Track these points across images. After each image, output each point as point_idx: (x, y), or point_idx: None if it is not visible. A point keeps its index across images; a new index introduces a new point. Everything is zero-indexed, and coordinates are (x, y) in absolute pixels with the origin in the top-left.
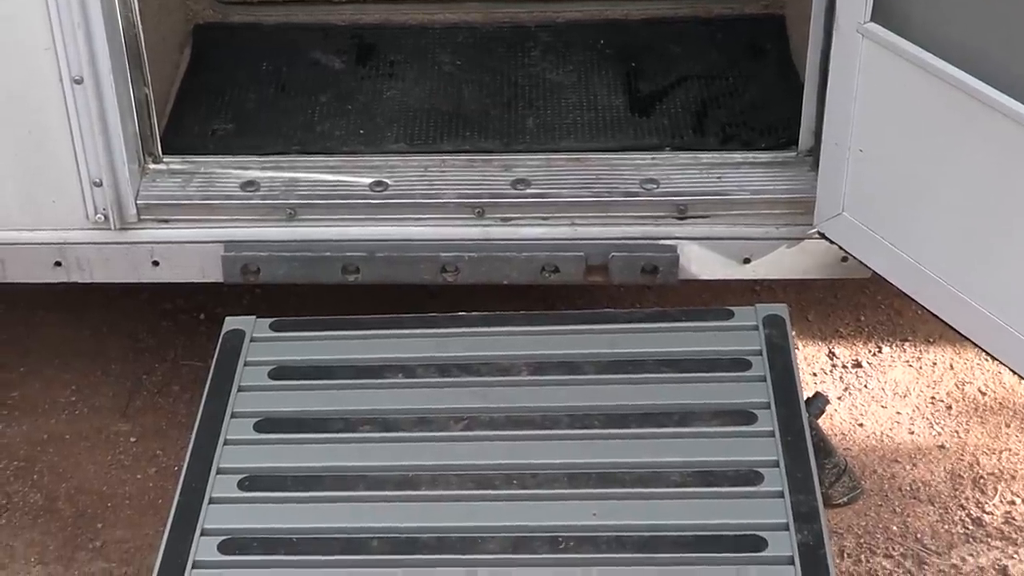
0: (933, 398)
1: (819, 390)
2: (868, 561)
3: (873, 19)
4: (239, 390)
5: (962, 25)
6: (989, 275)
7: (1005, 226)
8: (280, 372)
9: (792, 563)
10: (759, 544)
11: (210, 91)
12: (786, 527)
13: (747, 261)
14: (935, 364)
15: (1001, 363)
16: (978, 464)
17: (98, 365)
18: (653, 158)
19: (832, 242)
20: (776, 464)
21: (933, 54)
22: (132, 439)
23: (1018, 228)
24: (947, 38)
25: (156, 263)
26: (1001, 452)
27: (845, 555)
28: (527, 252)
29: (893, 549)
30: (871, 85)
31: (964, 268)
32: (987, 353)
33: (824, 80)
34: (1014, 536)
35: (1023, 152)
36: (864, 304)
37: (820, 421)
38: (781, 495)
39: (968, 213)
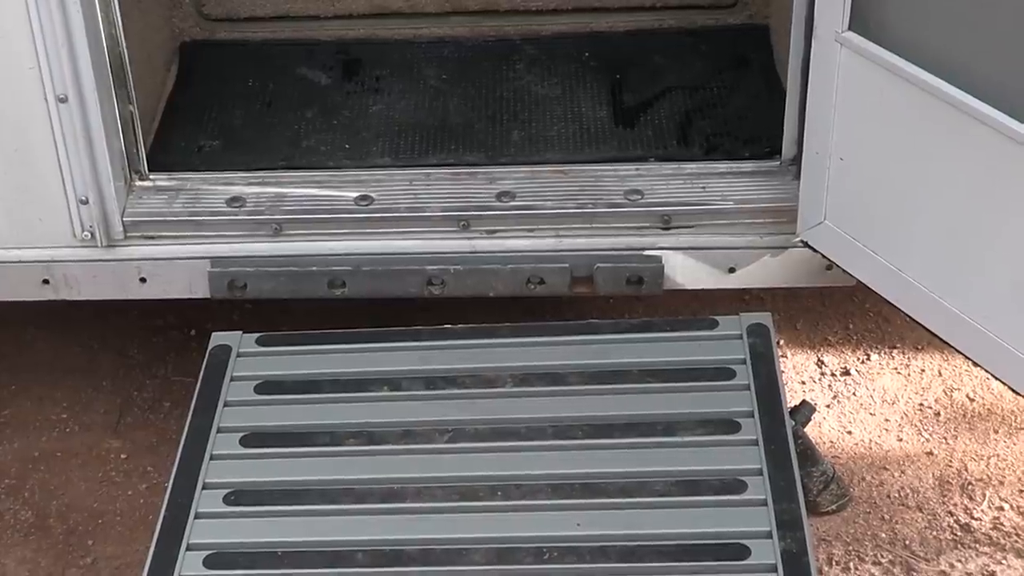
0: (921, 405)
1: (807, 398)
2: (857, 568)
3: (851, 28)
4: (225, 405)
5: (938, 33)
6: (971, 282)
7: (986, 233)
8: (266, 387)
9: (775, 571)
10: (743, 552)
11: (196, 108)
12: (769, 535)
13: (732, 270)
14: (923, 371)
15: (982, 368)
16: (966, 470)
17: (89, 382)
18: (637, 169)
19: (815, 251)
20: (760, 472)
21: (910, 62)
22: (123, 456)
23: (998, 235)
24: (924, 46)
25: (143, 280)
26: (989, 458)
27: (834, 562)
28: (512, 264)
29: (882, 556)
30: (850, 93)
31: (946, 275)
32: (968, 359)
33: (805, 89)
34: (1002, 542)
35: (1001, 159)
36: (852, 312)
37: (808, 429)
38: (764, 503)
39: (949, 220)
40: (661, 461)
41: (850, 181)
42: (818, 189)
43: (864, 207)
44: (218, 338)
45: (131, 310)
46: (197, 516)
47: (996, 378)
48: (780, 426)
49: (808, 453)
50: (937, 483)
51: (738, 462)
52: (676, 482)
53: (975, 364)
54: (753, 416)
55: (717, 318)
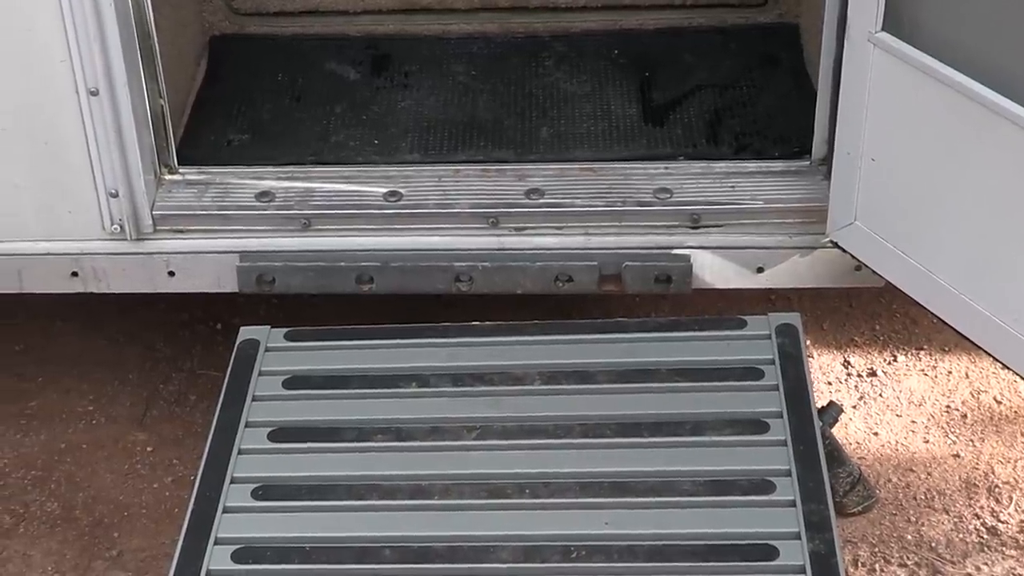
0: (948, 407)
1: (834, 399)
2: (883, 570)
3: (884, 28)
4: (253, 400)
5: (973, 34)
6: (1002, 284)
7: (1016, 234)
8: (294, 382)
9: (804, 572)
10: (771, 553)
11: (226, 102)
12: (798, 536)
13: (760, 270)
14: (950, 373)
15: (1013, 371)
16: (993, 473)
17: (115, 375)
18: (667, 167)
19: (845, 251)
20: (788, 473)
21: (944, 63)
22: (149, 448)
23: None
24: (958, 47)
25: (172, 273)
26: (1016, 461)
27: (859, 564)
28: (541, 262)
29: (908, 558)
30: (882, 94)
31: (977, 277)
32: (1000, 362)
33: (836, 89)
34: None
35: None
36: (879, 313)
37: (834, 430)
38: (793, 504)
39: (980, 222)
40: (689, 461)
41: (881, 182)
42: (849, 190)
43: (895, 208)
44: (246, 332)
45: (157, 303)
46: (225, 510)
47: None
48: (809, 427)
49: (835, 454)
50: (963, 485)
51: (766, 462)
52: (704, 482)
53: (1004, 367)
54: (782, 416)
55: (745, 318)
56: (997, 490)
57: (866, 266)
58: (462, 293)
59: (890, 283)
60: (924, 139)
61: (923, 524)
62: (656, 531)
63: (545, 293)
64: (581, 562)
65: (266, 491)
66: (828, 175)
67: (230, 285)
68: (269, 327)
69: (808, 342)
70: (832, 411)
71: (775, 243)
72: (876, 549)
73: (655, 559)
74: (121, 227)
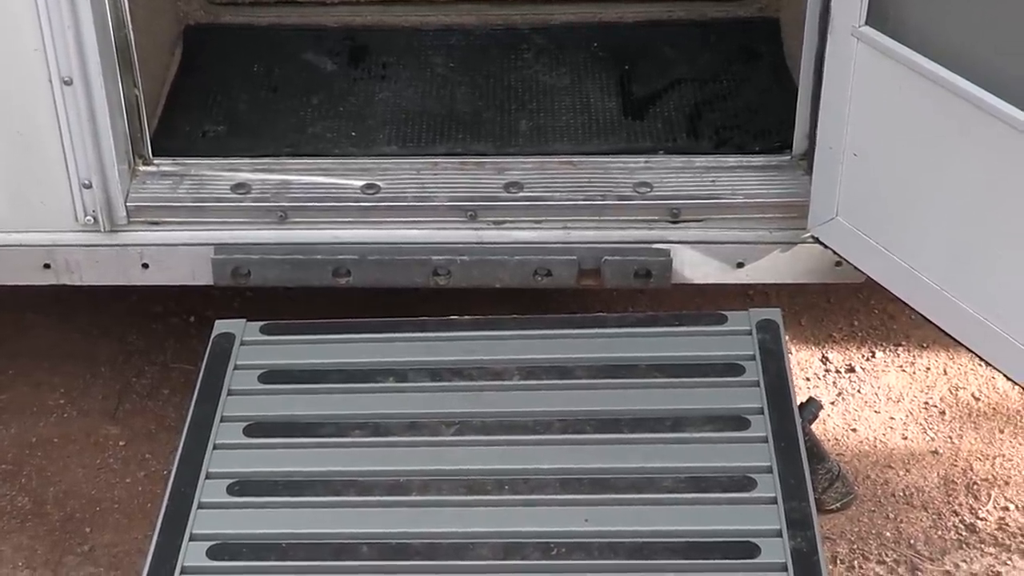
0: (927, 403)
1: (812, 395)
2: (861, 567)
3: (868, 22)
4: (229, 394)
5: (957, 29)
6: (983, 280)
7: (999, 231)
8: (270, 376)
9: (785, 569)
10: (752, 551)
11: (201, 92)
12: (779, 533)
13: (740, 265)
14: (929, 369)
15: (994, 368)
16: (971, 470)
17: (87, 368)
18: (647, 161)
19: (826, 246)
20: (769, 470)
21: (928, 58)
22: (121, 443)
23: (1012, 233)
24: (942, 41)
25: (146, 265)
26: (995, 458)
27: (838, 561)
28: (519, 256)
29: (886, 555)
30: (865, 89)
31: (958, 273)
32: (980, 358)
33: (818, 83)
34: (1007, 542)
35: (1017, 156)
36: (858, 309)
37: (813, 426)
38: (774, 501)
39: (962, 217)
40: (670, 457)
41: (864, 177)
42: (830, 184)
43: (877, 204)
44: (221, 326)
45: (130, 296)
46: (200, 506)
47: (1006, 376)
48: (790, 423)
49: (814, 450)
50: (942, 482)
51: (747, 459)
52: (685, 479)
53: (985, 363)
54: (762, 413)
55: (726, 313)
56: (976, 487)
57: (847, 262)
58: (440, 287)
59: (871, 279)
60: (907, 134)
61: (902, 521)
62: (637, 528)
63: (524, 287)
64: (561, 559)
65: (242, 487)
66: (809, 170)
67: (205, 278)
68: (245, 320)
69: (787, 338)
70: (811, 407)
71: (755, 238)
72: (855, 546)
73: (635, 556)
74: (94, 218)
